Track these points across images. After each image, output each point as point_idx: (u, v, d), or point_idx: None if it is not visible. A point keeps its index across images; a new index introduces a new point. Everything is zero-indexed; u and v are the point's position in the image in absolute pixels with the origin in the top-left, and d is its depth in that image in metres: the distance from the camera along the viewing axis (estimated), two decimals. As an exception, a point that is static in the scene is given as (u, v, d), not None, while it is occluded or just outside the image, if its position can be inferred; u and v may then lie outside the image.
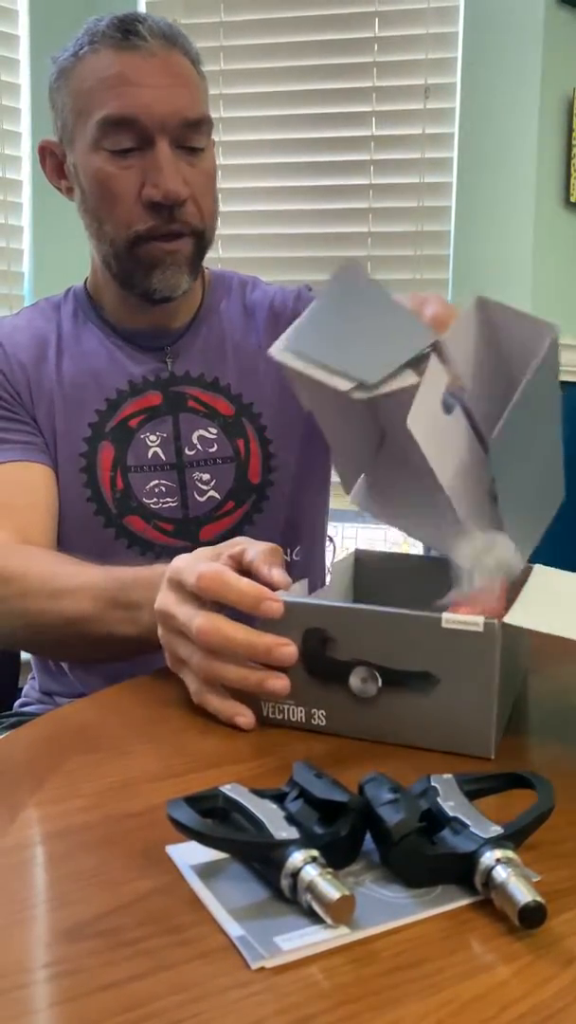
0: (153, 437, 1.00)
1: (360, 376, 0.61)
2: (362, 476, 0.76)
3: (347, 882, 0.42)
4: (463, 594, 0.62)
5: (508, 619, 0.58)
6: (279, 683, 0.61)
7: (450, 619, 0.58)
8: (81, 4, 2.03)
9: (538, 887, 0.41)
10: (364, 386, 0.61)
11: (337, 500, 1.18)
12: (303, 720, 0.63)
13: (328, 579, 1.06)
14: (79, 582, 0.79)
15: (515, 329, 0.65)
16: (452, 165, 2.05)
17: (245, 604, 0.61)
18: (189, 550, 0.68)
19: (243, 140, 2.12)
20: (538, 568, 0.68)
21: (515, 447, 0.63)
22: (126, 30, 0.92)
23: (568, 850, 0.48)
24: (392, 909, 0.42)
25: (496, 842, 0.43)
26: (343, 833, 0.45)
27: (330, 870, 0.42)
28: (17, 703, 1.12)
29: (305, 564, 1.08)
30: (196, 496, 1.01)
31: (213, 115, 0.98)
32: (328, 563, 1.21)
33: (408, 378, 0.62)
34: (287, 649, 0.60)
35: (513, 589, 0.64)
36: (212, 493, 1.01)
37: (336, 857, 0.44)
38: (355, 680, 0.61)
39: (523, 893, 0.40)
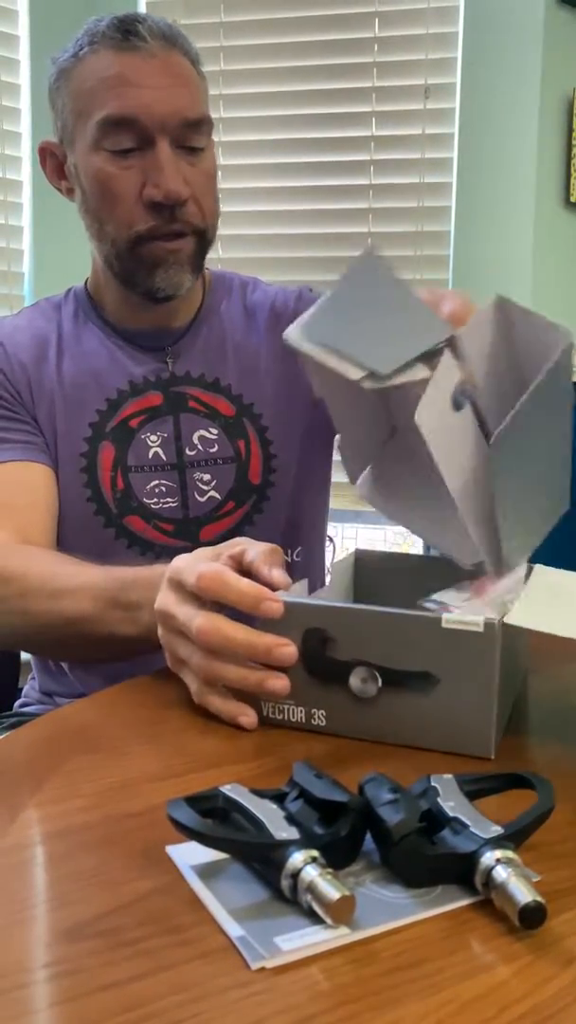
0: (154, 437, 1.00)
1: (372, 366, 0.61)
2: (368, 468, 0.76)
3: (347, 882, 0.42)
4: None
5: (509, 619, 0.58)
6: (279, 683, 0.61)
7: (450, 619, 0.58)
8: (81, 4, 2.03)
9: (538, 887, 0.41)
10: (375, 376, 0.61)
11: (337, 500, 1.18)
12: (303, 720, 0.63)
13: (328, 579, 1.06)
14: (79, 582, 0.79)
15: (531, 332, 0.65)
16: (452, 165, 2.05)
17: (245, 604, 0.61)
18: (189, 550, 0.68)
19: (243, 140, 2.12)
20: (538, 568, 0.68)
21: (518, 447, 0.63)
22: (126, 31, 0.92)
23: (568, 850, 0.48)
24: (392, 909, 0.42)
25: (496, 842, 0.43)
26: (343, 833, 0.45)
27: (330, 870, 0.42)
28: (17, 703, 1.12)
29: (305, 564, 1.08)
30: (196, 496, 1.01)
31: (213, 115, 0.98)
32: (328, 563, 1.21)
33: (419, 372, 0.62)
34: (287, 649, 0.60)
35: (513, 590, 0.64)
36: (212, 493, 1.01)
37: (336, 857, 0.44)
38: (355, 680, 0.61)
39: (523, 893, 0.40)
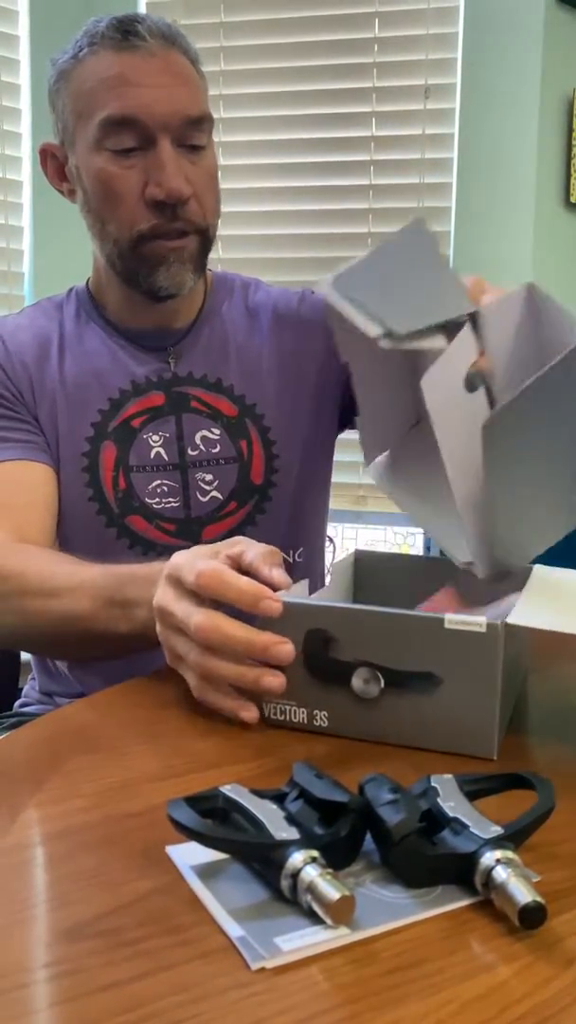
0: (156, 437, 1.00)
1: (392, 326, 0.61)
2: (385, 453, 0.75)
3: (347, 882, 0.42)
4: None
5: (511, 619, 0.58)
6: (275, 680, 0.61)
7: (453, 620, 0.58)
8: (81, 5, 2.03)
9: (538, 887, 0.41)
10: (393, 336, 0.61)
11: (337, 500, 1.18)
12: (305, 721, 0.63)
13: (328, 580, 1.06)
14: (77, 581, 0.79)
15: (556, 325, 0.64)
16: (452, 165, 2.05)
17: (244, 602, 0.61)
18: None
19: (243, 141, 2.12)
20: (538, 568, 0.68)
21: (518, 436, 0.59)
22: (125, 31, 0.92)
23: (568, 850, 0.48)
24: (392, 909, 0.42)
25: (496, 842, 0.43)
26: (343, 833, 0.45)
27: (330, 870, 0.42)
28: (17, 703, 1.12)
29: (306, 565, 1.08)
30: (199, 496, 1.01)
31: (213, 116, 0.98)
32: (328, 564, 1.21)
33: (437, 341, 0.62)
34: (284, 647, 0.60)
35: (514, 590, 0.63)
36: (215, 493, 1.01)
37: (336, 857, 0.44)
38: (357, 681, 0.61)
39: (523, 893, 0.40)
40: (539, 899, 0.40)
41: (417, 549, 2.22)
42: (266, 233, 2.14)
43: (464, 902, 0.43)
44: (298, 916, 0.42)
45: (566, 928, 0.41)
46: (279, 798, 0.47)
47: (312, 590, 0.71)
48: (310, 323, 1.08)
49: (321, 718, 0.63)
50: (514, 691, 0.67)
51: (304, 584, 0.68)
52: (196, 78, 0.96)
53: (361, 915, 0.41)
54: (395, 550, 2.24)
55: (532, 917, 0.40)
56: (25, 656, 1.20)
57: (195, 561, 0.64)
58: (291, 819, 0.45)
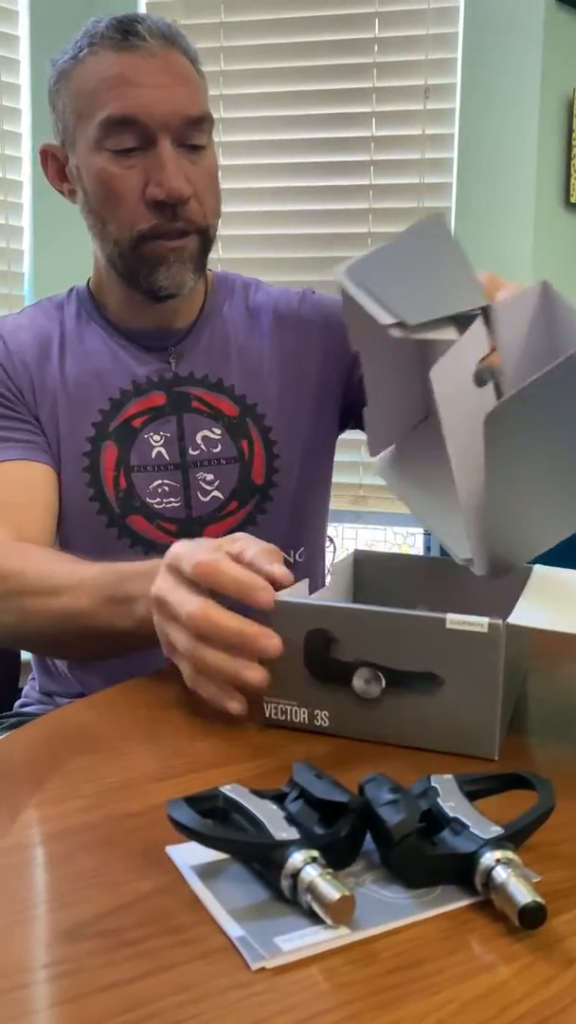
0: (157, 437, 1.00)
1: (403, 316, 0.61)
2: (392, 446, 0.75)
3: (347, 883, 0.42)
4: None
5: (512, 619, 0.58)
6: (257, 675, 0.60)
7: (454, 620, 0.58)
8: (81, 5, 2.03)
9: (538, 887, 0.41)
10: (404, 326, 0.61)
11: (337, 500, 1.18)
12: (306, 721, 0.63)
13: (328, 580, 1.06)
14: (77, 579, 0.79)
15: (568, 324, 0.63)
16: (452, 166, 2.05)
17: (240, 592, 0.61)
18: None
19: (243, 141, 2.12)
20: (538, 568, 0.68)
21: (522, 429, 0.58)
22: (125, 31, 0.92)
23: (568, 851, 0.48)
24: (392, 910, 0.42)
25: (496, 842, 0.43)
26: (343, 833, 0.45)
27: (330, 871, 0.42)
28: (17, 704, 1.12)
29: (307, 565, 1.08)
30: (200, 496, 1.01)
31: (213, 116, 0.98)
32: (328, 564, 1.21)
33: (448, 333, 0.62)
34: (271, 641, 0.60)
35: (513, 591, 0.63)
36: (216, 493, 1.01)
37: (336, 857, 0.44)
38: (358, 681, 0.61)
39: (523, 893, 0.40)
40: (539, 899, 0.40)
41: (417, 549, 2.22)
42: (266, 233, 2.14)
43: (464, 902, 0.43)
44: (298, 916, 0.42)
45: (566, 928, 0.41)
46: (279, 798, 0.47)
47: (313, 590, 0.71)
48: (311, 323, 1.08)
49: (322, 718, 0.63)
50: (515, 691, 0.67)
51: (304, 584, 0.67)
52: (196, 78, 0.96)
53: (361, 915, 0.41)
54: (395, 550, 2.24)
55: (532, 917, 0.40)
56: (25, 656, 1.20)
57: (195, 551, 0.64)
58: (291, 819, 0.45)
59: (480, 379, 0.63)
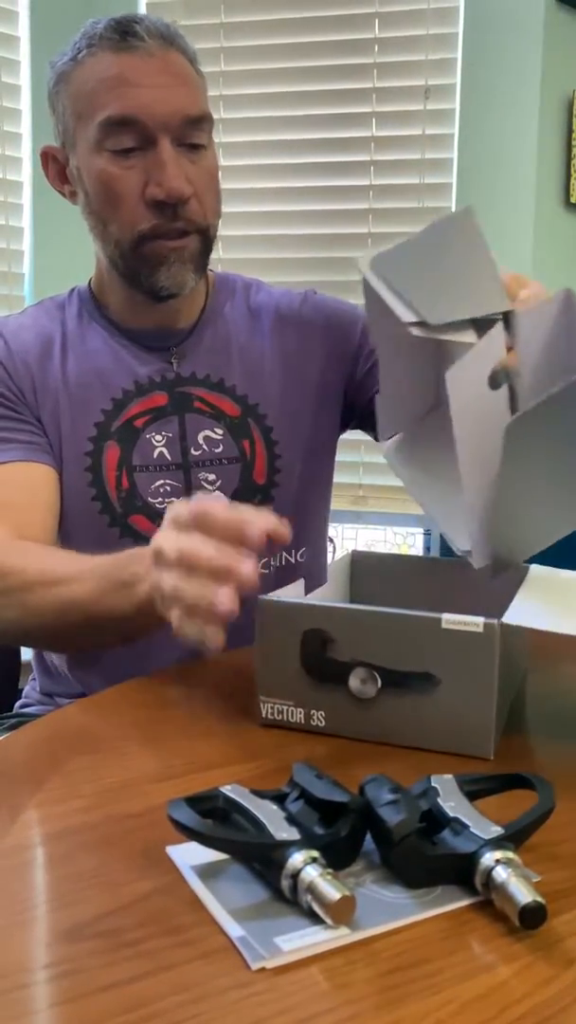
0: (159, 437, 1.00)
1: (425, 315, 0.62)
2: (400, 434, 0.75)
3: (347, 883, 0.42)
4: None
5: (507, 618, 0.58)
6: (226, 595, 0.60)
7: (450, 620, 0.58)
8: (81, 5, 2.03)
9: (538, 887, 0.41)
10: (425, 325, 0.62)
11: (337, 501, 1.18)
12: (302, 721, 0.63)
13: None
14: (77, 568, 0.80)
15: None
16: (452, 166, 2.05)
17: (233, 525, 0.62)
18: None
19: (243, 141, 2.12)
20: (534, 568, 0.68)
21: (536, 438, 0.58)
22: (124, 31, 0.92)
23: (568, 851, 0.48)
24: (392, 910, 0.42)
25: (496, 843, 0.43)
26: (343, 834, 0.45)
27: (330, 871, 0.42)
28: (17, 704, 1.12)
29: (309, 565, 1.08)
30: (201, 496, 1.01)
31: (213, 116, 0.98)
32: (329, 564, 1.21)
33: (468, 335, 0.62)
34: (247, 564, 0.60)
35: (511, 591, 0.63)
36: (217, 493, 1.01)
37: (336, 858, 0.44)
38: (355, 681, 0.61)
39: (523, 893, 0.40)
40: (539, 899, 0.40)
41: (417, 549, 2.22)
42: (266, 233, 2.14)
43: (464, 902, 0.43)
44: (298, 916, 0.42)
45: (566, 928, 0.41)
46: (279, 798, 0.47)
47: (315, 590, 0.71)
48: (312, 324, 1.08)
49: (318, 718, 0.63)
50: (512, 691, 0.67)
51: (300, 584, 0.68)
52: (195, 77, 0.96)
53: (361, 915, 0.41)
54: (395, 550, 2.24)
55: (532, 917, 0.40)
56: (26, 656, 1.20)
57: (194, 502, 0.65)
58: (291, 819, 0.45)
59: (495, 381, 0.63)
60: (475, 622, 0.58)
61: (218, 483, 1.01)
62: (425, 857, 0.44)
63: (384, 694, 0.61)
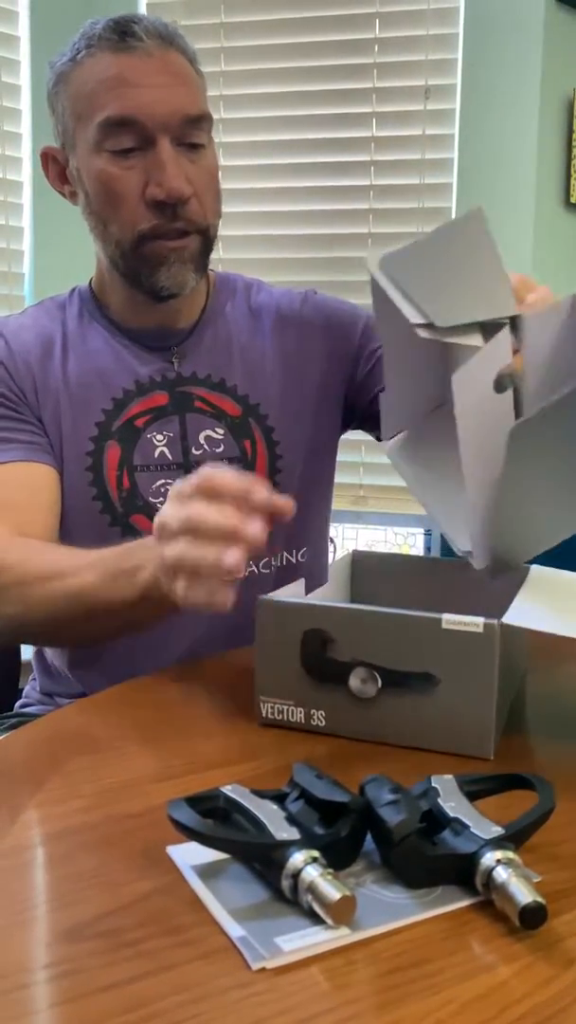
0: (160, 437, 1.00)
1: (433, 317, 0.62)
2: (404, 432, 0.76)
3: (348, 883, 0.42)
4: None
5: (506, 619, 0.58)
6: (233, 554, 0.61)
7: (450, 620, 0.58)
8: (81, 5, 2.03)
9: (539, 888, 0.41)
10: (432, 327, 0.62)
11: (337, 501, 1.18)
12: (302, 720, 0.63)
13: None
14: (78, 561, 0.81)
15: None
16: (452, 166, 2.05)
17: (240, 490, 0.63)
18: None
19: (244, 141, 2.12)
20: (535, 568, 0.68)
21: (539, 443, 0.59)
22: (122, 32, 0.92)
23: (568, 851, 0.48)
24: (393, 910, 0.42)
25: (497, 843, 0.43)
26: (344, 834, 0.45)
27: (331, 871, 0.42)
28: (18, 704, 1.12)
29: (310, 565, 1.08)
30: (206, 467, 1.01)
31: (214, 116, 0.98)
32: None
33: (474, 339, 0.62)
34: (255, 525, 0.62)
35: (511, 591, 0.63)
36: (222, 464, 1.01)
37: (337, 858, 0.44)
38: (355, 681, 0.61)
39: (524, 894, 0.40)
40: (540, 899, 0.40)
41: (417, 550, 2.22)
42: (267, 233, 2.14)
43: (464, 902, 0.43)
44: (299, 916, 0.42)
45: (566, 928, 0.41)
46: (280, 798, 0.47)
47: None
48: (313, 324, 1.08)
49: (318, 718, 0.63)
50: (512, 691, 0.67)
51: (300, 584, 0.68)
52: (194, 77, 0.96)
53: (362, 915, 0.41)
54: (395, 550, 2.24)
55: (532, 917, 0.40)
56: (26, 656, 1.20)
57: (197, 473, 0.66)
58: (292, 819, 0.45)
59: (500, 385, 0.63)
60: (475, 622, 0.58)
61: None
62: (425, 857, 0.44)
63: (384, 694, 0.61)
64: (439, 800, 0.46)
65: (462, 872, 0.43)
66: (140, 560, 0.75)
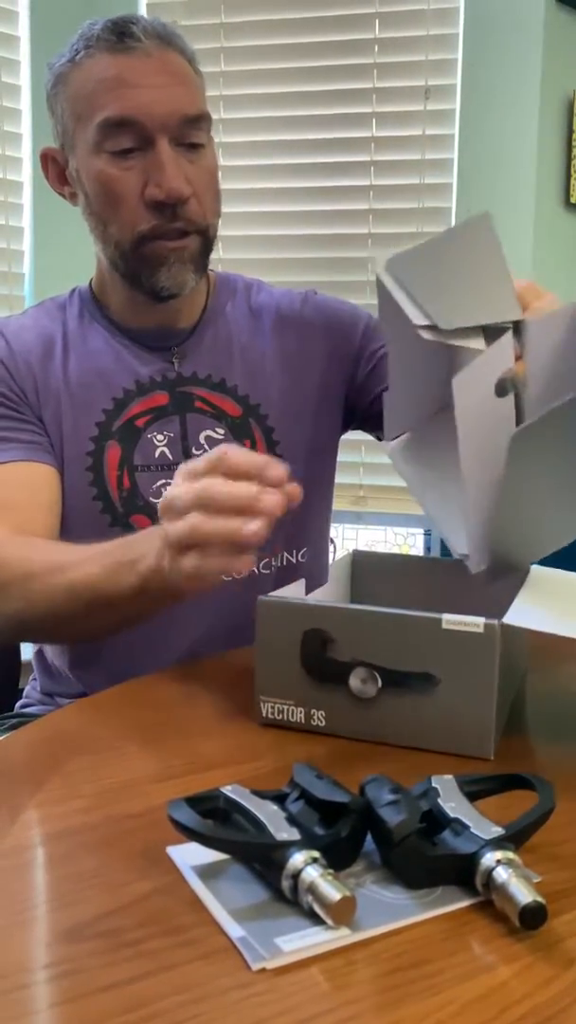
0: (160, 437, 1.00)
1: (436, 319, 0.62)
2: (407, 434, 0.76)
3: (348, 883, 0.42)
4: None
5: (507, 619, 0.58)
6: (252, 525, 0.61)
7: (450, 620, 0.58)
8: (81, 5, 2.03)
9: (539, 888, 0.41)
10: (435, 329, 0.63)
11: (337, 501, 1.18)
12: (302, 720, 0.63)
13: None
14: (81, 554, 0.81)
15: None
16: (452, 166, 2.05)
17: (255, 466, 0.63)
18: None
19: (244, 141, 2.12)
20: (535, 569, 0.68)
21: (540, 449, 0.59)
22: (121, 32, 0.92)
23: (568, 851, 0.48)
24: (393, 910, 0.42)
25: (497, 843, 0.43)
26: (344, 834, 0.45)
27: (331, 871, 0.42)
28: (18, 704, 1.12)
29: (310, 565, 1.08)
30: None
31: (214, 117, 0.98)
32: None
33: (477, 341, 0.62)
34: (272, 497, 0.61)
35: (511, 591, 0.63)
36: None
37: (337, 858, 0.44)
38: (355, 681, 0.61)
39: (524, 894, 0.40)
40: (540, 899, 0.40)
41: (417, 550, 2.22)
42: (267, 234, 2.14)
43: (465, 903, 0.43)
44: (299, 917, 0.42)
45: (567, 929, 0.41)
46: (280, 799, 0.47)
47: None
48: (313, 325, 1.08)
49: (318, 718, 0.63)
50: (512, 691, 0.67)
51: (300, 584, 0.68)
52: (193, 77, 0.96)
53: (362, 916, 0.41)
54: (395, 551, 2.24)
55: (533, 918, 0.40)
56: (26, 656, 1.20)
57: (208, 453, 0.66)
58: (292, 820, 0.45)
59: (502, 389, 0.63)
60: (475, 622, 0.58)
61: None
62: (425, 858, 0.44)
63: (384, 694, 0.61)
64: (439, 800, 0.46)
65: (462, 872, 0.43)
66: (141, 550, 0.75)
